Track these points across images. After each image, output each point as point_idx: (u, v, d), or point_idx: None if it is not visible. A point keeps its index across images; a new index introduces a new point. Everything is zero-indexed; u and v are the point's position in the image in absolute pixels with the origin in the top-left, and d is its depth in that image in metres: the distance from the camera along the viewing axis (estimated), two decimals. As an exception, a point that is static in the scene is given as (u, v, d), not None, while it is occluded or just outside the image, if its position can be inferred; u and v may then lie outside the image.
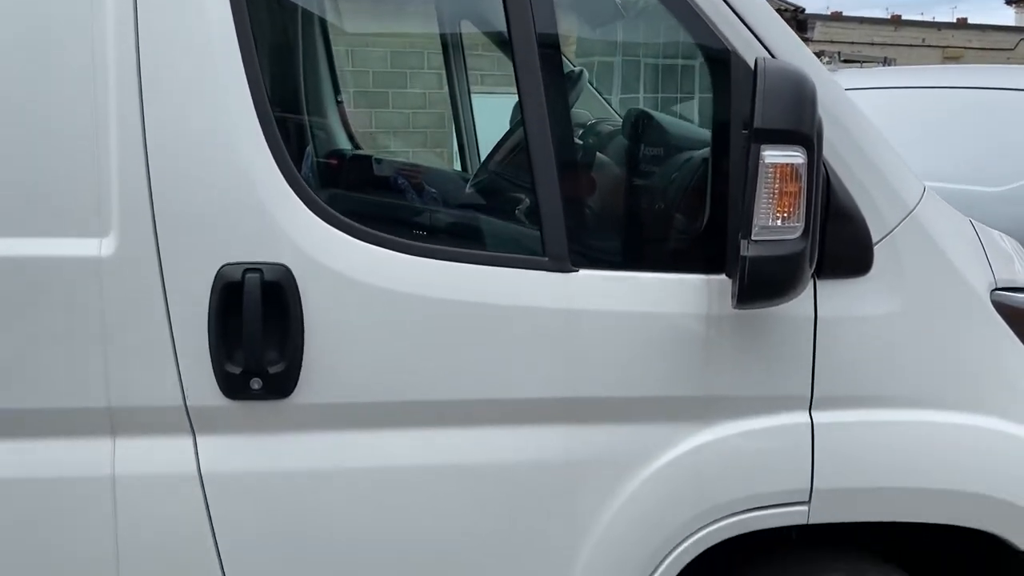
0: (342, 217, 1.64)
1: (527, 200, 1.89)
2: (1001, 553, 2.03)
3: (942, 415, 1.79)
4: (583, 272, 1.68)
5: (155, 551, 1.66)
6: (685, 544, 1.76)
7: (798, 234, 1.51)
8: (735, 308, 1.60)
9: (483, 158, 2.87)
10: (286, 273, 1.58)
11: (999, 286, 1.87)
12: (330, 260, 1.61)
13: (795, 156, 1.49)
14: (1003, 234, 2.12)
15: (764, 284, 1.53)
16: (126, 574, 1.65)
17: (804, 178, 1.49)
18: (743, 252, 1.50)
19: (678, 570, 1.77)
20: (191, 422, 1.63)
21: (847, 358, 1.74)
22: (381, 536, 1.71)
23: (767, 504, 1.76)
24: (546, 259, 1.67)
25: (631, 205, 2.04)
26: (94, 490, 1.62)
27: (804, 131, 1.49)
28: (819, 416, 1.75)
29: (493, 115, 3.00)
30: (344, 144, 3.31)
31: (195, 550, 1.66)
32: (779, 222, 1.50)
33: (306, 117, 2.88)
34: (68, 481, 1.63)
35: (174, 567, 1.66)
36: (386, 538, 1.71)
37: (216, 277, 1.57)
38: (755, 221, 1.49)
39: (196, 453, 1.64)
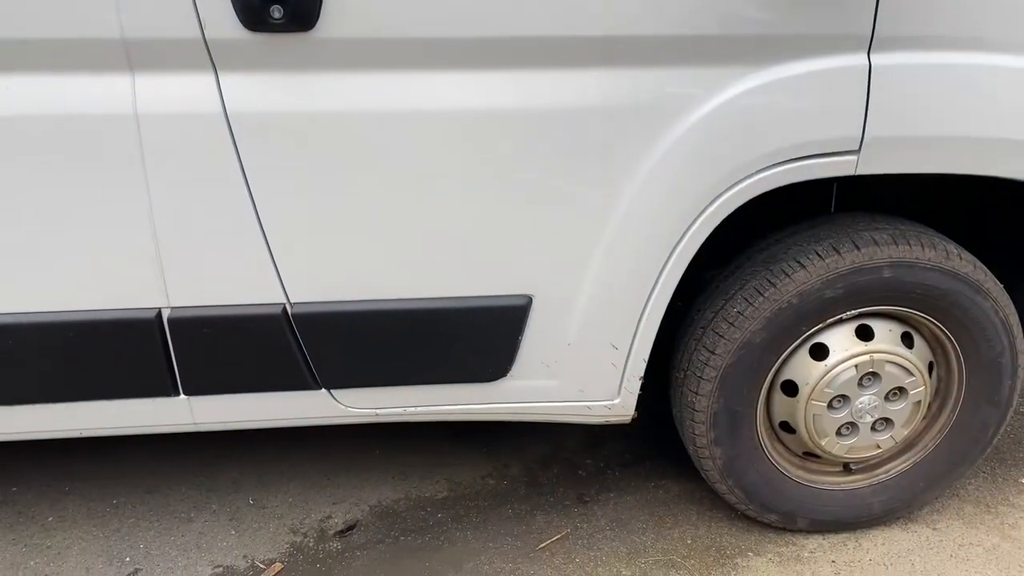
0: None
1: None
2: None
3: (1007, 59, 1.67)
4: None
5: (188, 191, 1.61)
6: (727, 194, 1.70)
7: None
8: None
9: None
10: None
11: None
12: None
13: None
14: None
15: None
16: (160, 218, 1.63)
17: None
18: None
19: (717, 222, 1.74)
20: (211, 57, 1.53)
21: None
22: (413, 180, 1.65)
23: (816, 153, 1.69)
24: None
25: None
26: (118, 128, 1.55)
27: None
28: (878, 58, 1.64)
29: None
30: None
31: (227, 191, 1.62)
32: None
33: None
34: (89, 118, 1.55)
35: (208, 209, 1.63)
36: (419, 183, 1.66)
37: None
38: None
39: (220, 91, 1.56)
